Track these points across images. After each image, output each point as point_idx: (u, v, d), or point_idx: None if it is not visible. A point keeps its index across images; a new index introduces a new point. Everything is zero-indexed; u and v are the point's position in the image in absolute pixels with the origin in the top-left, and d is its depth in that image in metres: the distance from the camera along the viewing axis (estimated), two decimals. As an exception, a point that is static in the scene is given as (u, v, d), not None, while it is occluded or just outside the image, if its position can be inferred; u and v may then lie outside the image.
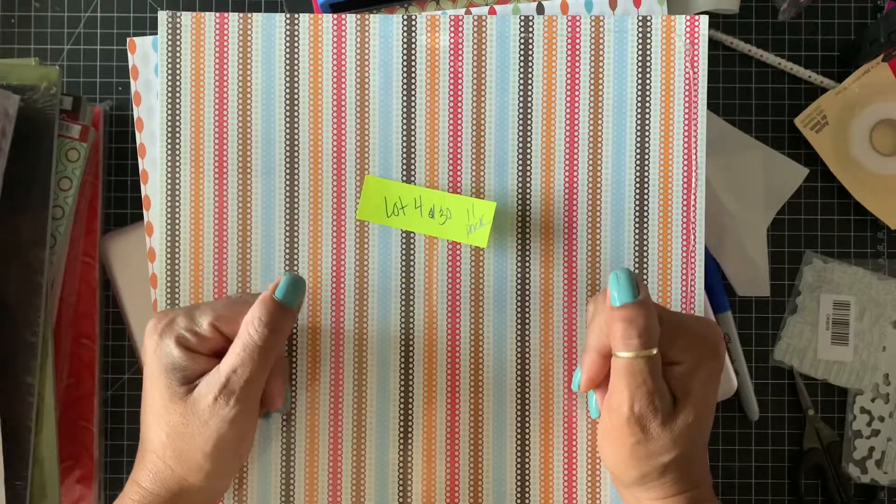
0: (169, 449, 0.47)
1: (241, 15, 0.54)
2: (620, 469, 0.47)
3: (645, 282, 0.53)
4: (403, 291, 0.54)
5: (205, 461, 0.47)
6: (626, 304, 0.45)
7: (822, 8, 0.63)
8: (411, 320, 0.54)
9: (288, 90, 0.54)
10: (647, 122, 0.54)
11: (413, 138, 0.54)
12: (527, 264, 0.54)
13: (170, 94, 0.54)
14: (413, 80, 0.54)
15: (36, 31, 0.62)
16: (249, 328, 0.47)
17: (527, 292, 0.54)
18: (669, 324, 0.47)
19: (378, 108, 0.54)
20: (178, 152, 0.54)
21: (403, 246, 0.54)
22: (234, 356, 0.46)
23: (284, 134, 0.54)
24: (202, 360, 0.48)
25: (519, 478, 0.54)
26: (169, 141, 0.54)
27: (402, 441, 0.54)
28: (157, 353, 0.47)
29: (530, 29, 0.54)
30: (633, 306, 0.45)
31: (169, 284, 0.54)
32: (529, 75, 0.54)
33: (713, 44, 0.62)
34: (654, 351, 0.45)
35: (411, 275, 0.54)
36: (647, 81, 0.54)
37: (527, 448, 0.54)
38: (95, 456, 0.59)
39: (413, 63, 0.54)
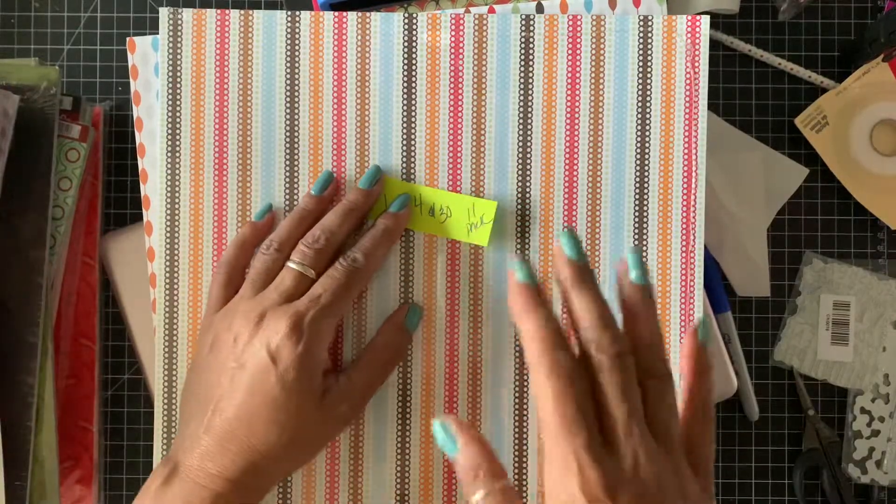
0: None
1: (243, 12, 0.54)
2: None
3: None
4: (402, 290, 0.54)
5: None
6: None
7: (822, 8, 0.63)
8: (412, 319, 0.54)
9: (289, 88, 0.54)
10: (647, 121, 0.54)
11: (413, 136, 0.54)
12: (527, 264, 0.54)
13: (170, 91, 0.54)
14: (413, 79, 0.54)
15: (36, 31, 0.62)
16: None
17: (527, 292, 0.54)
18: None
19: (378, 105, 0.54)
20: (178, 150, 0.54)
21: (403, 244, 0.54)
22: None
23: (284, 131, 0.54)
24: None
25: (517, 475, 0.54)
26: (169, 138, 0.54)
27: (399, 439, 0.54)
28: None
29: (531, 28, 0.54)
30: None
31: (168, 284, 0.54)
32: (530, 74, 0.54)
33: (713, 44, 0.62)
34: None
35: (410, 273, 0.54)
36: (648, 81, 0.54)
37: (524, 446, 0.54)
38: (95, 456, 0.59)
39: (413, 61, 0.54)
